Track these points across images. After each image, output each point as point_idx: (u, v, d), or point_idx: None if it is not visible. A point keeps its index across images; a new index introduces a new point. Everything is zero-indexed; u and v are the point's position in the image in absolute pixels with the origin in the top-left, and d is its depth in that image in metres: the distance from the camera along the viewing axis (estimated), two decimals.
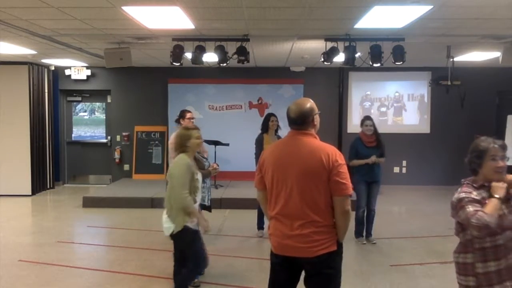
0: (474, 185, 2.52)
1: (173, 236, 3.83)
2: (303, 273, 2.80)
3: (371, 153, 5.87)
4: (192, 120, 5.50)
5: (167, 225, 3.83)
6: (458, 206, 2.45)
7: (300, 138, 2.73)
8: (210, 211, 5.24)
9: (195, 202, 3.83)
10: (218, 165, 4.72)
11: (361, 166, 5.87)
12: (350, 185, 2.64)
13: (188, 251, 3.91)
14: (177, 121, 5.62)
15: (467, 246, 2.50)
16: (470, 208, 2.36)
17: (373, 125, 5.95)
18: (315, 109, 2.78)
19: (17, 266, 5.15)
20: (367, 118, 6.06)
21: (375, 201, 6.07)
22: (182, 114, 5.61)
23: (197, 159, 4.58)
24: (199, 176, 3.94)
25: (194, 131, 3.98)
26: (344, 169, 2.64)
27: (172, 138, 5.55)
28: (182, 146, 3.90)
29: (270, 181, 2.75)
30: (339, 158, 2.65)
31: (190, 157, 3.90)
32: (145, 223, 7.11)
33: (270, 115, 6.25)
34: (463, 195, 2.45)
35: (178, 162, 3.82)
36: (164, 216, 3.87)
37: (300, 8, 4.73)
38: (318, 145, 2.70)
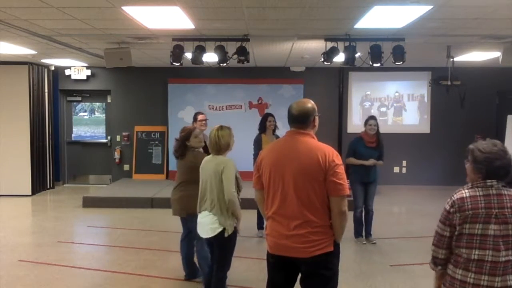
0: None
1: (219, 237, 3.71)
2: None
3: (369, 153, 5.87)
4: (203, 122, 5.83)
5: (214, 226, 3.71)
6: None
7: (298, 138, 2.73)
8: None
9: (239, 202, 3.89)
10: None
11: (358, 166, 5.86)
12: (346, 185, 2.64)
13: (230, 254, 3.84)
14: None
15: None
16: None
17: (377, 125, 5.94)
18: (316, 110, 2.80)
19: (17, 266, 5.15)
20: (371, 117, 6.02)
21: (373, 201, 6.06)
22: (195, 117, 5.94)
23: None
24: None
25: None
26: (341, 170, 2.64)
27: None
28: (228, 146, 4.00)
29: (267, 180, 2.75)
30: (336, 158, 2.64)
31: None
32: (145, 223, 7.11)
33: (268, 115, 6.26)
34: None
35: (230, 163, 3.90)
36: (209, 216, 3.76)
37: (300, 8, 4.73)
38: (315, 145, 2.70)
